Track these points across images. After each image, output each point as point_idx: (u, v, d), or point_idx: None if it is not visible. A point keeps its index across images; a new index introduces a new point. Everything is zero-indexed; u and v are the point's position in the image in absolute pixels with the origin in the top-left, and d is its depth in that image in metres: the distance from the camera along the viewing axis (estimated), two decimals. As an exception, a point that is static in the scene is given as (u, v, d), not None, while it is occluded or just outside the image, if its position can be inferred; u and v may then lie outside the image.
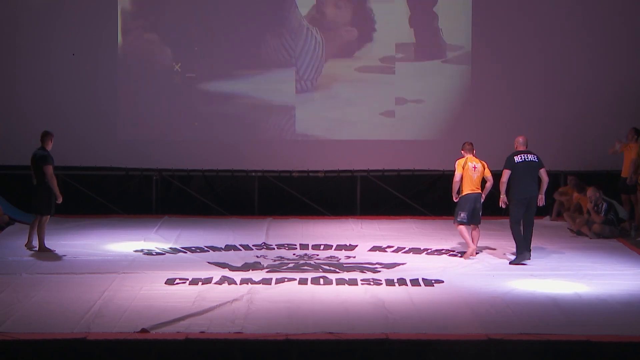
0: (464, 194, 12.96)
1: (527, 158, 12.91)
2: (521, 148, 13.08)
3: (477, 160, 13.09)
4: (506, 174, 12.88)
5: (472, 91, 16.92)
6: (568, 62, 16.87)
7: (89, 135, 16.69)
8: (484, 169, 13.10)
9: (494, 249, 13.57)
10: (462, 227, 13.00)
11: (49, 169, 12.75)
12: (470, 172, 12.96)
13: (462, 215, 12.93)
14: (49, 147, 12.95)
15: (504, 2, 16.95)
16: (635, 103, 16.75)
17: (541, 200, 12.87)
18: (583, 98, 16.88)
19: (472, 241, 13.01)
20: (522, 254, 12.69)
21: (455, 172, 13.00)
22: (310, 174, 17.08)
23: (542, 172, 12.93)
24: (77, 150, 16.58)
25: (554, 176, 17.17)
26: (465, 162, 13.01)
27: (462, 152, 13.19)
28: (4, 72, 16.70)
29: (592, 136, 16.68)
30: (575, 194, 15.42)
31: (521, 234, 12.78)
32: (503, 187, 12.92)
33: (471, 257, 12.92)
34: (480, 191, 13.04)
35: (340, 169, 17.08)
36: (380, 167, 17.05)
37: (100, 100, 16.78)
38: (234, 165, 16.97)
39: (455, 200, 13.08)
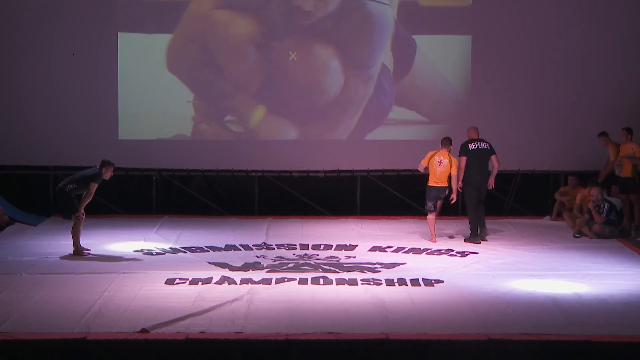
0: (428, 184, 13.96)
1: (480, 146, 14.06)
2: (474, 136, 14.22)
3: (446, 156, 13.84)
4: (463, 161, 14.00)
5: (471, 91, 16.92)
6: (567, 62, 16.87)
7: (89, 135, 16.69)
8: (451, 166, 13.85)
9: (494, 249, 13.56)
10: (430, 217, 13.97)
11: (94, 187, 12.68)
12: (435, 166, 13.84)
13: (428, 204, 13.92)
14: (105, 175, 12.80)
15: (503, 3, 16.95)
16: (635, 103, 16.76)
17: (491, 184, 14.08)
18: (583, 98, 16.88)
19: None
20: (475, 236, 14.01)
21: (422, 160, 13.94)
22: (310, 174, 17.09)
23: (493, 159, 14.10)
24: (77, 150, 16.59)
25: (554, 176, 17.23)
26: (433, 156, 13.88)
27: (440, 145, 13.96)
28: (4, 72, 16.70)
29: (592, 136, 16.64)
30: (584, 191, 15.28)
31: (476, 217, 14.07)
32: (461, 174, 13.97)
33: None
34: (444, 184, 13.89)
35: (340, 169, 17.08)
36: (380, 167, 17.05)
37: (100, 100, 16.79)
38: (234, 165, 16.98)
39: (420, 168, 14.08)
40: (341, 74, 16.89)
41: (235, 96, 16.89)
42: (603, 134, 15.70)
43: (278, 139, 16.98)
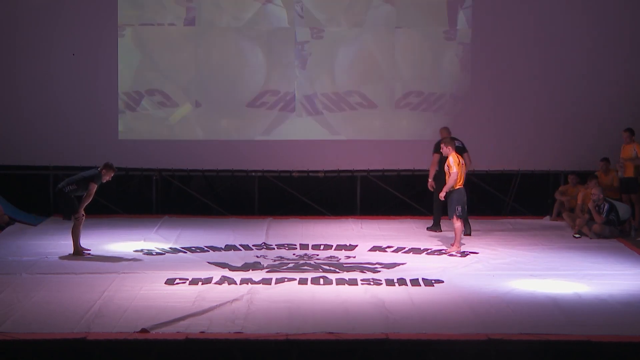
0: (456, 187, 13.22)
1: (456, 143, 14.04)
2: (447, 135, 14.57)
3: (460, 155, 13.55)
4: (437, 157, 14.44)
5: (471, 91, 16.92)
6: (568, 62, 16.87)
7: (89, 135, 16.69)
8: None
9: (494, 249, 13.56)
10: (460, 223, 13.25)
11: (94, 188, 12.71)
12: (462, 168, 13.31)
13: (459, 209, 13.17)
14: (104, 178, 12.81)
15: (503, 1, 16.95)
16: (635, 103, 16.75)
17: None
18: (583, 98, 16.87)
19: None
20: (437, 225, 14.77)
21: (454, 169, 13.16)
22: (310, 174, 17.08)
23: (466, 157, 14.22)
24: (77, 150, 16.60)
25: (554, 176, 17.22)
26: (459, 159, 13.28)
27: (448, 148, 13.33)
28: (4, 72, 16.70)
29: (592, 136, 16.69)
30: (585, 191, 15.21)
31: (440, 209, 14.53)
32: (433, 170, 14.50)
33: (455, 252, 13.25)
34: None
35: (340, 169, 17.08)
36: (380, 167, 17.05)
37: (100, 100, 16.79)
38: (234, 165, 16.98)
39: (442, 197, 13.36)
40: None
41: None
42: (605, 160, 15.70)
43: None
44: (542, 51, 16.86)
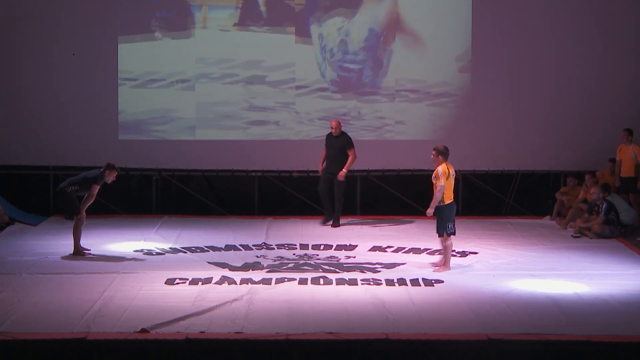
0: (447, 203, 11.97)
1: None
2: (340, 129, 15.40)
3: (451, 166, 12.17)
4: (354, 152, 15.24)
5: (472, 91, 16.91)
6: (568, 62, 16.84)
7: (89, 135, 16.69)
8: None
9: (494, 249, 13.56)
10: (451, 241, 12.10)
11: (96, 189, 12.73)
12: (452, 180, 12.04)
13: (450, 226, 11.98)
14: (108, 179, 12.78)
15: (504, 2, 16.94)
16: (636, 103, 16.74)
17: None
18: (583, 98, 16.86)
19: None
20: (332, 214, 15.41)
21: (441, 182, 11.90)
22: (310, 174, 17.07)
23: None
24: (77, 150, 16.59)
25: (554, 176, 17.21)
26: (449, 170, 12.00)
27: (441, 157, 12.00)
28: (4, 72, 16.68)
29: (592, 136, 16.68)
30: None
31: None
32: (353, 164, 15.29)
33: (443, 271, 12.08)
34: None
35: (340, 168, 17.06)
36: (380, 167, 17.04)
37: (100, 100, 16.78)
38: (234, 165, 16.97)
39: (430, 214, 12.04)
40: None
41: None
42: (613, 160, 15.65)
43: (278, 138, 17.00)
44: (543, 51, 16.83)
